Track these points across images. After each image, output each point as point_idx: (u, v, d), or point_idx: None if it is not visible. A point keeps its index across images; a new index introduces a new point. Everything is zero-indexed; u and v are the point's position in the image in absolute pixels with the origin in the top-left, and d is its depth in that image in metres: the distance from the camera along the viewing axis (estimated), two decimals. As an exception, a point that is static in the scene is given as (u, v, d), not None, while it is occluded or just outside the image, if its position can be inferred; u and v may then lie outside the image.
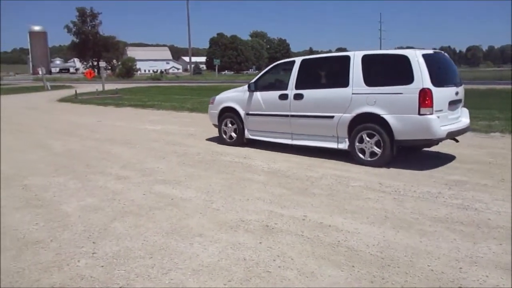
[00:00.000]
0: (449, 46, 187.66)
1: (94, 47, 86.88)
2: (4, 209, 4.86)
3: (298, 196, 5.09)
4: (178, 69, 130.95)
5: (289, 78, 7.68)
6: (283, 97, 7.65)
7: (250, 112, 8.28)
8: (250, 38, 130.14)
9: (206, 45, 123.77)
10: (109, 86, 32.04)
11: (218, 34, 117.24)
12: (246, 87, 8.43)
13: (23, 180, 6.13)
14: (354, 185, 5.53)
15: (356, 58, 6.85)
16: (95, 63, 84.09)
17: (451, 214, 4.37)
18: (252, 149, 8.05)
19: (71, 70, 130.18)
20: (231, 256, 3.51)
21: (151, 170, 6.58)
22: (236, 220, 4.33)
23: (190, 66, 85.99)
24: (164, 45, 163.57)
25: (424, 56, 6.29)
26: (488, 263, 3.28)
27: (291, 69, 7.69)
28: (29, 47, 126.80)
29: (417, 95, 6.08)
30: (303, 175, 6.11)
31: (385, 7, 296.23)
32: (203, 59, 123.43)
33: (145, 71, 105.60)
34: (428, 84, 6.08)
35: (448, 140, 6.61)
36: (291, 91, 7.58)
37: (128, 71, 67.20)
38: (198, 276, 3.19)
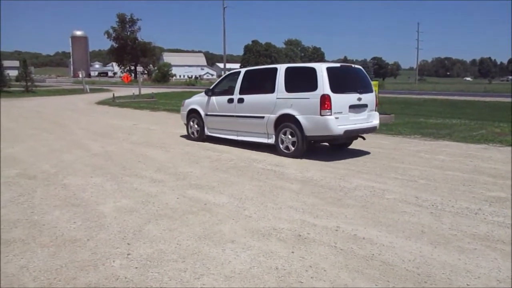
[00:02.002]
0: (489, 58, 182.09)
1: (132, 52, 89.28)
2: (44, 207, 5.02)
3: (331, 207, 5.02)
4: (212, 75, 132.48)
5: (235, 85, 9.25)
6: (231, 101, 9.25)
7: (208, 113, 9.94)
8: (284, 46, 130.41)
9: (240, 52, 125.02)
10: (145, 91, 32.81)
11: (252, 41, 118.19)
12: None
13: (63, 180, 6.33)
14: (389, 197, 5.41)
15: (281, 70, 8.38)
16: (132, 68, 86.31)
17: (492, 232, 4.20)
18: (284, 157, 8.02)
19: (109, 74, 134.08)
20: (263, 264, 3.49)
21: (185, 174, 6.66)
22: (268, 228, 4.31)
23: (224, 72, 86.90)
24: (199, 52, 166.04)
25: (328, 68, 7.71)
26: (532, 286, 3.13)
27: (238, 78, 9.30)
28: (70, 51, 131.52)
29: (319, 100, 7.48)
30: (336, 185, 6.03)
31: (424, 17, 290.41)
32: (237, 66, 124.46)
33: (180, 76, 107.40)
34: (328, 91, 7.47)
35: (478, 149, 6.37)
36: (236, 96, 9.17)
37: (163, 76, 68.64)
38: (230, 282, 3.19)
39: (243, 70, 9.48)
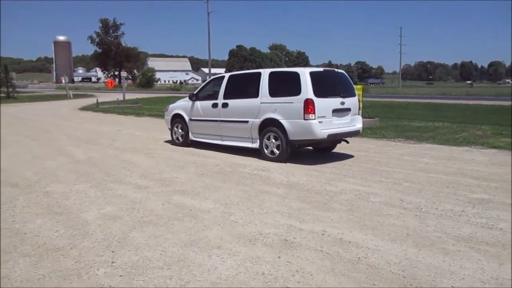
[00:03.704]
0: (470, 61, 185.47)
1: (116, 57, 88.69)
2: (26, 215, 4.93)
3: (317, 211, 5.03)
4: (197, 80, 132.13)
5: (219, 90, 9.22)
6: (215, 105, 9.21)
7: (192, 118, 9.87)
8: (269, 51, 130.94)
9: (225, 57, 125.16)
10: (130, 96, 32.56)
11: (237, 46, 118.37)
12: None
13: (45, 187, 6.22)
14: (374, 200, 5.45)
15: (265, 74, 8.40)
16: (117, 73, 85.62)
17: (476, 234, 4.25)
18: (269, 162, 8.02)
19: (93, 79, 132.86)
20: (249, 269, 3.47)
21: (170, 180, 6.61)
22: (254, 233, 4.30)
23: (209, 77, 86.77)
24: (184, 56, 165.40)
25: (311, 73, 7.76)
26: (515, 286, 3.17)
27: (222, 83, 9.27)
28: (53, 56, 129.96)
29: (303, 104, 7.53)
30: (322, 189, 6.05)
31: (406, 21, 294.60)
32: (222, 70, 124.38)
33: (165, 81, 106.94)
34: (311, 95, 7.52)
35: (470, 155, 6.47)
36: (220, 100, 9.13)
37: (148, 81, 68.25)
38: (216, 289, 3.16)
39: (227, 75, 9.51)
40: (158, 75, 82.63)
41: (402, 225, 4.50)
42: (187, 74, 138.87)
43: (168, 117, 10.60)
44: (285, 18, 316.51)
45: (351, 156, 8.60)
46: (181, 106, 10.29)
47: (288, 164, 7.81)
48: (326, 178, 6.73)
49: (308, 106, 7.50)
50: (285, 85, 8.09)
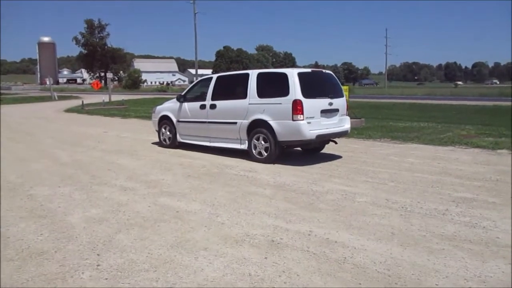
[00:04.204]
0: (455, 62, 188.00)
1: (101, 58, 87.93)
2: (9, 218, 4.85)
3: (304, 211, 5.05)
4: (184, 81, 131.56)
5: (207, 91, 9.18)
6: (203, 107, 9.16)
7: (180, 120, 9.81)
8: (256, 52, 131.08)
9: (212, 58, 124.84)
10: (116, 97, 32.31)
11: (224, 47, 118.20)
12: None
13: (29, 190, 6.14)
14: (360, 200, 5.49)
15: (253, 75, 8.40)
16: (102, 74, 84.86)
17: (459, 232, 4.31)
18: (257, 162, 8.03)
19: (78, 80, 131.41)
20: (236, 271, 3.47)
21: (156, 182, 6.57)
22: (241, 234, 4.30)
23: (196, 78, 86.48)
24: (170, 57, 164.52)
25: (299, 74, 7.77)
26: (497, 283, 3.22)
27: (210, 84, 9.23)
28: (37, 58, 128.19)
29: (291, 105, 7.53)
30: (308, 189, 6.08)
31: (392, 23, 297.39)
32: (209, 71, 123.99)
33: (151, 83, 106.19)
34: (299, 96, 7.53)
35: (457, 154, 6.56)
36: (208, 102, 9.09)
37: (134, 82, 67.77)
38: (203, 291, 3.15)
39: (215, 76, 9.45)
40: (144, 76, 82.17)
41: (387, 225, 4.55)
42: (173, 75, 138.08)
43: (156, 118, 10.51)
44: (272, 19, 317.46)
45: (338, 157, 8.65)
46: (169, 107, 10.21)
47: (275, 165, 7.82)
48: (312, 178, 6.76)
49: (297, 106, 7.50)
50: (273, 86, 8.07)
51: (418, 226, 4.49)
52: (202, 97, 9.36)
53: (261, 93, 8.11)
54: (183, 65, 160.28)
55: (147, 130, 13.99)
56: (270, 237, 4.21)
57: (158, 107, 10.64)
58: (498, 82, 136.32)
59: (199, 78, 10.57)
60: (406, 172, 7.15)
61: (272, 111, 7.85)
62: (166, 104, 10.46)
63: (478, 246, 3.96)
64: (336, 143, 8.84)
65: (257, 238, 4.19)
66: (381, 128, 13.19)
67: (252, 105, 8.17)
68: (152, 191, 6.06)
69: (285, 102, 7.64)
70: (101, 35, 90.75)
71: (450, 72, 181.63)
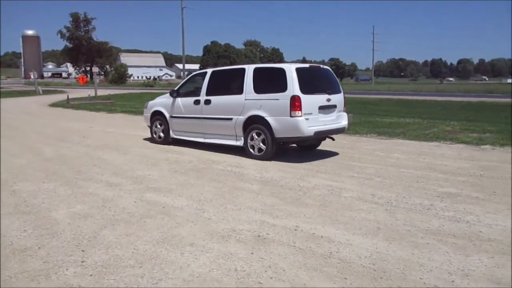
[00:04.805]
0: (440, 59, 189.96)
1: (87, 52, 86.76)
2: (-9, 215, 4.77)
3: (290, 206, 5.06)
4: (171, 76, 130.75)
5: (201, 86, 9.00)
6: (197, 102, 8.97)
7: (173, 115, 9.58)
8: (243, 47, 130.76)
9: (199, 52, 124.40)
10: (102, 92, 31.96)
11: (212, 42, 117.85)
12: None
13: (13, 186, 6.05)
14: (346, 195, 5.52)
15: (249, 70, 8.19)
16: (88, 69, 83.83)
17: (443, 227, 4.37)
18: (244, 158, 8.02)
19: (64, 75, 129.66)
20: (222, 266, 3.46)
21: (143, 178, 6.53)
22: (227, 230, 4.29)
23: (183, 73, 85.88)
24: (157, 52, 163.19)
25: (297, 69, 7.59)
26: (480, 277, 3.27)
27: (204, 79, 9.03)
28: (21, 51, 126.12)
29: (289, 101, 7.38)
30: (295, 184, 6.09)
31: (379, 19, 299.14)
32: (196, 66, 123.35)
33: (138, 77, 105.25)
34: (297, 92, 7.38)
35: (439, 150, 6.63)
36: (202, 97, 8.89)
37: (120, 77, 67.03)
38: (189, 286, 3.14)
39: (209, 71, 9.22)
40: (131, 70, 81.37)
41: (373, 220, 4.58)
42: (160, 70, 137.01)
43: (148, 114, 10.25)
44: (260, 14, 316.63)
45: (324, 152, 8.68)
46: (161, 102, 9.99)
47: (262, 160, 7.81)
48: (299, 174, 6.77)
49: (295, 103, 7.36)
50: (270, 82, 7.94)
51: (403, 221, 4.53)
52: (196, 92, 9.19)
53: (258, 89, 7.94)
54: (170, 60, 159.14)
55: (134, 125, 13.90)
56: (256, 232, 4.21)
57: (150, 102, 10.40)
58: (486, 79, 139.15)
59: (193, 73, 10.33)
60: (392, 167, 7.21)
61: (269, 107, 7.69)
62: (159, 99, 10.25)
63: (462, 240, 4.01)
64: (333, 139, 8.65)
65: (244, 234, 4.19)
66: (367, 123, 13.28)
67: (249, 100, 8.00)
68: (138, 186, 6.01)
69: (282, 98, 7.49)
70: (87, 28, 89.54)
71: (436, 69, 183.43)
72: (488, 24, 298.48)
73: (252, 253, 3.72)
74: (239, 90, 8.19)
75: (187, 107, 9.23)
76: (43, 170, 7.07)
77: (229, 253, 3.72)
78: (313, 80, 8.04)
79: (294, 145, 9.07)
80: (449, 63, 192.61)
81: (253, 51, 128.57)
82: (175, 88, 9.78)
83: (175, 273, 3.34)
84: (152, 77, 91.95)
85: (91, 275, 3.32)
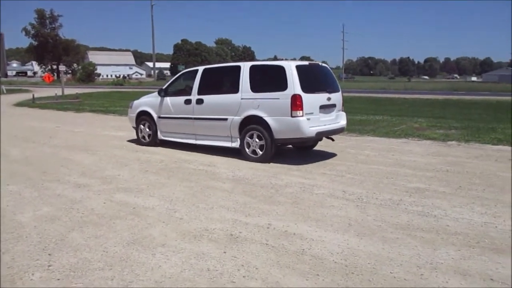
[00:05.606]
0: (408, 57, 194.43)
1: (53, 50, 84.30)
2: (-48, 219, 4.57)
3: (263, 204, 5.07)
4: (141, 74, 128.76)
5: (193, 85, 8.51)
6: (188, 102, 8.49)
7: (162, 116, 9.07)
8: (215, 45, 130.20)
9: (170, 51, 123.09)
10: (69, 91, 31.19)
11: (182, 40, 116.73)
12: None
13: (-26, 189, 5.81)
14: (318, 192, 5.57)
15: (245, 68, 7.77)
16: (55, 67, 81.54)
17: (412, 221, 4.46)
18: (216, 156, 7.98)
19: (29, 73, 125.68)
20: (194, 266, 3.43)
21: (112, 178, 6.39)
22: (200, 229, 4.25)
23: (154, 72, 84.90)
24: (127, 50, 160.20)
25: (297, 67, 7.26)
26: (447, 269, 3.36)
27: (195, 77, 8.53)
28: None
29: (290, 100, 7.04)
30: (268, 182, 6.10)
31: (348, 19, 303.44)
32: (167, 65, 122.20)
33: (107, 76, 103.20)
34: (298, 90, 7.04)
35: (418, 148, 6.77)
36: (194, 96, 8.41)
37: (89, 75, 65.57)
38: (161, 287, 3.09)
39: (201, 68, 8.69)
40: (99, 69, 79.78)
41: (344, 216, 4.64)
42: (130, 68, 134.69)
43: (133, 114, 9.68)
44: (231, 13, 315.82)
45: (297, 150, 8.73)
46: (148, 102, 9.44)
47: (234, 159, 7.79)
48: (272, 172, 6.79)
49: (296, 102, 7.01)
50: (268, 80, 7.61)
51: (374, 217, 4.61)
52: (187, 91, 8.70)
53: (255, 87, 7.54)
54: (140, 58, 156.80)
55: (103, 124, 13.62)
56: (229, 231, 4.19)
57: (136, 102, 9.83)
58: (458, 77, 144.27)
59: (182, 71, 9.74)
60: (362, 164, 7.32)
61: (268, 106, 7.31)
62: (145, 99, 9.71)
63: (430, 234, 4.11)
64: (333, 140, 8.37)
65: (216, 233, 4.16)
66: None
67: (245, 100, 7.58)
68: (108, 187, 5.89)
69: (283, 97, 7.12)
70: (53, 26, 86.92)
71: (404, 67, 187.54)
72: (453, 24, 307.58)
73: (224, 252, 3.69)
74: (235, 89, 7.78)
75: (177, 107, 8.74)
76: (7, 171, 6.82)
77: (202, 252, 3.69)
78: (313, 78, 7.71)
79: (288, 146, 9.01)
80: (416, 62, 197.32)
81: (225, 49, 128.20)
82: (164, 87, 9.23)
83: (146, 275, 3.28)
84: (121, 76, 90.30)
85: (58, 279, 3.22)
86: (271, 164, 7.37)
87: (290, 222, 4.44)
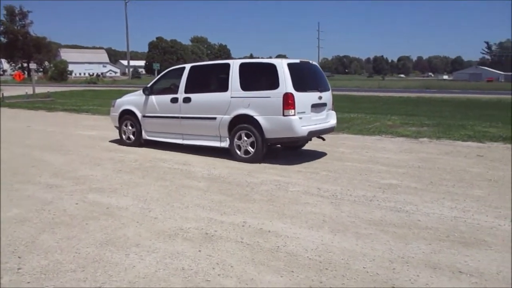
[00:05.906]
0: (382, 56, 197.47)
1: (23, 47, 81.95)
2: None
3: (238, 202, 5.07)
4: (115, 72, 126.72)
5: (179, 83, 8.27)
6: (174, 100, 8.24)
7: (146, 115, 8.78)
8: (190, 43, 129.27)
9: (145, 49, 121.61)
10: (41, 89, 30.44)
11: (157, 38, 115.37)
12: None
13: None
14: (293, 190, 5.61)
15: (234, 66, 7.59)
16: (25, 65, 79.40)
17: (385, 217, 4.55)
18: (191, 155, 7.93)
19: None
20: (169, 266, 3.40)
21: (85, 178, 6.28)
22: (174, 229, 4.23)
23: (129, 70, 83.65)
24: (101, 48, 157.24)
25: (289, 64, 7.12)
26: (418, 263, 3.43)
27: (182, 75, 8.28)
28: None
29: (281, 99, 6.90)
30: (243, 181, 6.11)
31: (323, 17, 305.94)
32: (142, 63, 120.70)
33: (80, 74, 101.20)
34: (290, 89, 6.91)
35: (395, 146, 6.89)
36: (181, 94, 8.18)
37: (61, 73, 64.06)
38: (134, 287, 3.06)
39: (188, 66, 8.44)
40: (72, 67, 78.17)
41: (319, 213, 4.69)
42: (104, 66, 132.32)
43: (116, 113, 9.33)
44: (206, 11, 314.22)
45: (273, 149, 8.75)
46: (132, 101, 9.14)
47: (209, 157, 7.76)
48: (247, 170, 6.80)
49: (288, 101, 6.87)
50: (259, 78, 7.48)
51: (348, 213, 4.67)
52: (173, 89, 8.47)
53: (245, 86, 7.38)
54: (114, 56, 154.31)
55: (74, 123, 13.37)
56: (204, 230, 4.18)
57: (118, 101, 9.48)
58: (432, 75, 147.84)
59: (168, 69, 9.31)
60: (337, 161, 7.41)
61: (259, 105, 7.16)
62: (128, 97, 9.41)
63: (402, 229, 4.19)
64: (324, 139, 8.22)
65: (191, 232, 4.14)
66: (313, 119, 13.52)
67: (235, 98, 7.40)
68: (80, 187, 5.78)
69: (274, 96, 6.98)
70: (23, 22, 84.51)
71: (378, 65, 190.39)
72: (425, 23, 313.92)
73: (199, 251, 3.68)
74: (224, 87, 7.59)
75: (163, 105, 8.47)
76: (-25, 173, 6.62)
77: (176, 252, 3.67)
78: (304, 77, 7.61)
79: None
80: (390, 60, 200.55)
81: (200, 47, 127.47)
82: (148, 85, 8.90)
83: (119, 275, 3.24)
84: (95, 74, 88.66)
85: (28, 282, 3.15)
86: (248, 163, 7.37)
87: (265, 220, 4.46)
